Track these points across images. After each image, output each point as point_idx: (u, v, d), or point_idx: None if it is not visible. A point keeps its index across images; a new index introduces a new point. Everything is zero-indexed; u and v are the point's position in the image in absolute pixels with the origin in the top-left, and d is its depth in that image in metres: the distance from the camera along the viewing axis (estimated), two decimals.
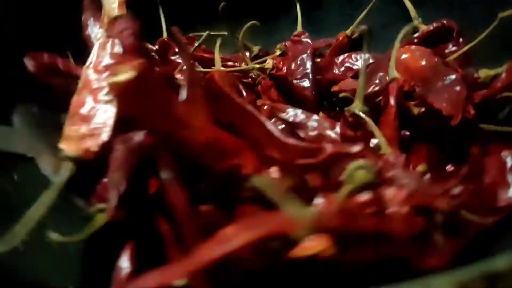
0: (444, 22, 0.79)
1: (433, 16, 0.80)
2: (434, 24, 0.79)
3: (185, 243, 0.36)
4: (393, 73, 0.59)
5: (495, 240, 0.43)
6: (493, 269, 0.24)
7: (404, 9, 0.84)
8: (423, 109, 0.58)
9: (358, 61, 0.74)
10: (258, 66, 0.80)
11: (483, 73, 0.68)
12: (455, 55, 0.68)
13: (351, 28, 0.86)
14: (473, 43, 0.67)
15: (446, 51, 0.81)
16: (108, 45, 0.52)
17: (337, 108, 0.72)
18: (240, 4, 0.83)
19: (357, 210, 0.35)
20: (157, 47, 0.85)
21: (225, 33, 0.88)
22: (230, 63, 0.84)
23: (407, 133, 0.60)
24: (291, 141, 0.39)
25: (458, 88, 0.57)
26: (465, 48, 0.67)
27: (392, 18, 0.86)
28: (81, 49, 0.80)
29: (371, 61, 0.73)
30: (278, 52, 0.83)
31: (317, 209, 0.36)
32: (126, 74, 0.33)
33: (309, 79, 0.71)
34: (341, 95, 0.64)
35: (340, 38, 0.84)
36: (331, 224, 0.34)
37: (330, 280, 0.39)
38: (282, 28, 0.96)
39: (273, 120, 0.63)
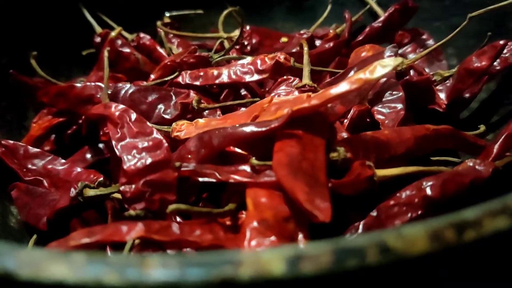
0: (397, 7, 0.83)
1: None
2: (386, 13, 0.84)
3: None
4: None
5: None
6: (462, 218, 0.25)
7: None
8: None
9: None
10: (225, 35, 0.81)
11: (438, 74, 0.72)
12: (417, 57, 0.71)
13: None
14: (433, 46, 0.70)
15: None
16: None
17: None
18: None
19: None
20: (98, 39, 0.83)
21: (201, 11, 0.88)
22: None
23: None
24: None
25: (399, 106, 0.62)
26: (425, 53, 0.70)
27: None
28: None
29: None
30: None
31: None
32: None
33: None
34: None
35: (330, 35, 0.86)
36: None
37: None
38: (275, 17, 0.97)
39: None
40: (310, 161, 0.48)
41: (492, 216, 0.25)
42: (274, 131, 0.50)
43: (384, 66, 0.49)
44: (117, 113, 0.51)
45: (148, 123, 0.52)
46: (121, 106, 0.53)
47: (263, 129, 0.50)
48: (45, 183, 0.61)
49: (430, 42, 0.83)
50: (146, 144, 0.48)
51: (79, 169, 0.61)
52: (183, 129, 0.57)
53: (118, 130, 0.50)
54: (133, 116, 0.51)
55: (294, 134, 0.50)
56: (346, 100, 0.54)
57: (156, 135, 0.49)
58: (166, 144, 0.49)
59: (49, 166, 0.63)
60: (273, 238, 0.39)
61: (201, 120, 0.59)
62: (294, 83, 0.68)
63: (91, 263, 0.24)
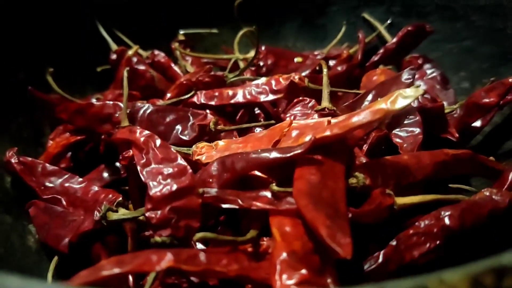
0: (409, 28, 0.84)
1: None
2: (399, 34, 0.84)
3: None
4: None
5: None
6: (500, 264, 0.26)
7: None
8: None
9: None
10: (241, 56, 0.83)
11: (447, 108, 0.72)
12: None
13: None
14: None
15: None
16: None
17: None
18: (247, 10, 0.84)
19: None
20: (114, 56, 0.84)
21: (216, 30, 0.89)
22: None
23: None
24: None
25: (417, 130, 0.63)
26: None
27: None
28: None
29: None
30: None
31: None
32: None
33: None
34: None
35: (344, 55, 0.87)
36: None
37: None
38: (286, 35, 0.98)
39: None
40: (331, 190, 0.48)
41: None
42: (296, 158, 0.51)
43: (406, 97, 0.49)
44: (142, 139, 0.52)
45: (172, 149, 0.52)
46: (146, 132, 0.53)
47: (286, 155, 0.50)
48: (63, 202, 0.62)
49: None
50: (171, 170, 0.49)
51: (96, 188, 0.61)
52: (204, 152, 0.58)
53: (143, 156, 0.51)
54: (158, 142, 0.52)
55: (315, 160, 0.51)
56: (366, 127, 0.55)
57: (181, 161, 0.50)
58: (190, 171, 0.49)
59: (66, 185, 0.63)
60: (303, 271, 0.39)
61: (221, 143, 0.60)
62: (310, 104, 0.69)
63: None
